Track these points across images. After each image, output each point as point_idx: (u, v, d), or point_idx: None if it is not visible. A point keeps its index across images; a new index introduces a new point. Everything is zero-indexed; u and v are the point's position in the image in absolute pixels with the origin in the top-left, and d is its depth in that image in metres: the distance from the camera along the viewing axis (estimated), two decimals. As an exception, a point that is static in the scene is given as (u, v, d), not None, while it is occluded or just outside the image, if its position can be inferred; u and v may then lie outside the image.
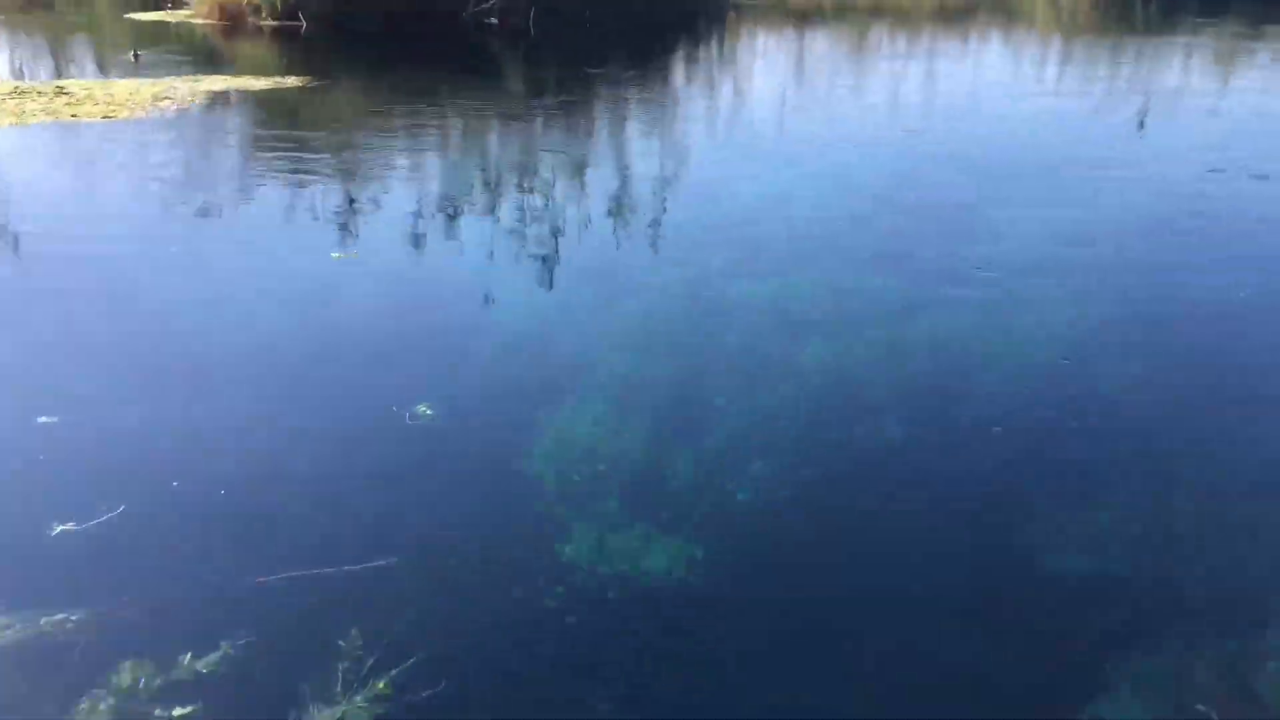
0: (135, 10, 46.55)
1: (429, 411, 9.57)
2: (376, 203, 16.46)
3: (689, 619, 7.20)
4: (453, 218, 15.79)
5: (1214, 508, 8.06)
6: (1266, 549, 7.64)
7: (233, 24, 40.83)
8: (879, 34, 47.19)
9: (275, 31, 39.39)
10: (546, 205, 16.47)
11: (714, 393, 9.91)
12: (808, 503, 8.33)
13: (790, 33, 47.15)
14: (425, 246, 14.60)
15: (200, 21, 41.45)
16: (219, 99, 24.32)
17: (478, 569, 7.69)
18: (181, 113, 22.36)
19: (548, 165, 19.06)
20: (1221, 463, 8.69)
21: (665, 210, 15.85)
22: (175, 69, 29.14)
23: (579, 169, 18.81)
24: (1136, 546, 7.62)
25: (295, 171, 18.75)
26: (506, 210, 16.25)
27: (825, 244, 14.18)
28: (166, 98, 23.01)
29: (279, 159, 19.67)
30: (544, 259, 13.91)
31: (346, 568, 7.55)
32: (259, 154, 20.15)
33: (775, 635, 7.07)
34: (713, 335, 11.03)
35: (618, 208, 15.97)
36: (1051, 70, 34.70)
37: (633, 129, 23.17)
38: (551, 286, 12.97)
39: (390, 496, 8.50)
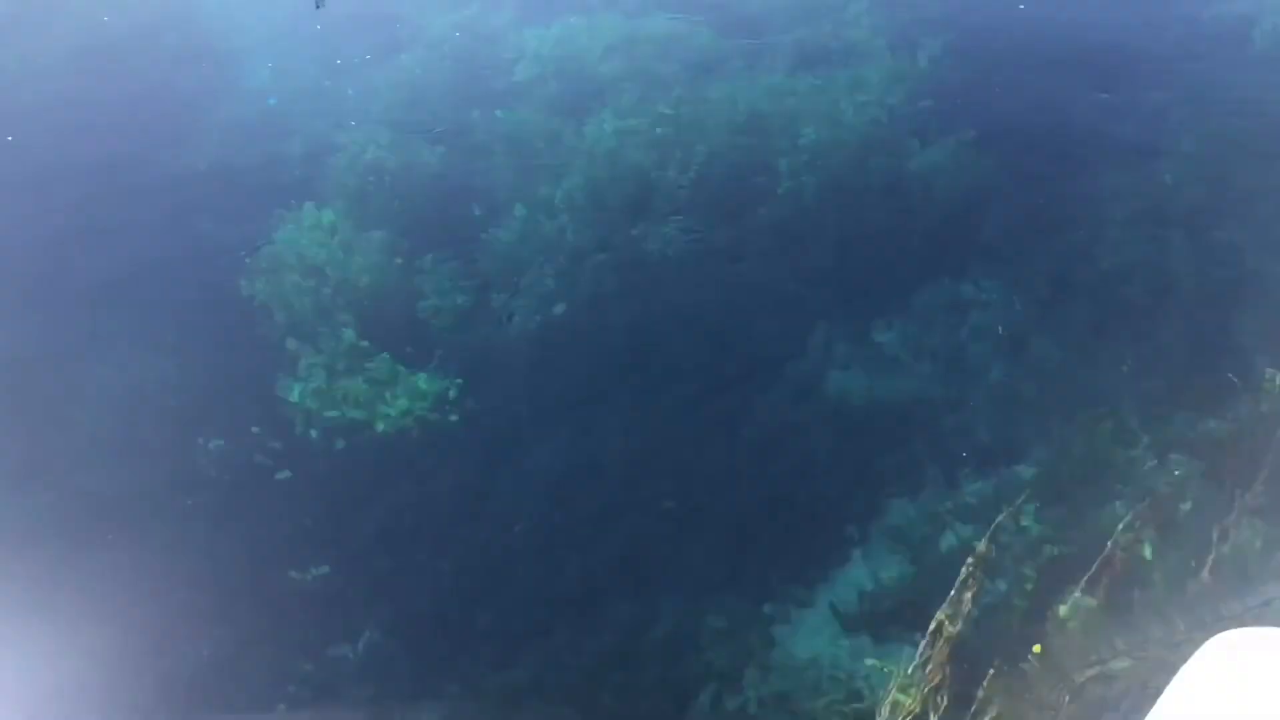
0: None
1: None
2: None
3: (433, 466, 7.31)
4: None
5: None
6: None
7: None
8: None
9: None
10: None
11: (483, 184, 9.46)
12: (588, 320, 8.29)
13: None
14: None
15: None
16: None
17: (173, 415, 7.58)
18: None
19: None
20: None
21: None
22: None
23: None
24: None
25: None
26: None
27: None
28: None
29: None
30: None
31: None
32: None
33: (537, 476, 7.24)
34: (489, 104, 10.35)
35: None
36: None
37: None
38: (286, 35, 11.72)
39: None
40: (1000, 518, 6.53)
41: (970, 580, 6.25)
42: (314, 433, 7.47)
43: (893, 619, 6.26)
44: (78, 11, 11.79)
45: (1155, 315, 7.51)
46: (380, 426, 7.56)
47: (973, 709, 5.68)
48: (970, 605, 6.14)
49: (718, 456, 7.34)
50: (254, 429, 7.39)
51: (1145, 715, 3.12)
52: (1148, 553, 6.17)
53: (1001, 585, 6.24)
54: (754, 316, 8.19)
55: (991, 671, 5.79)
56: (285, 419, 7.54)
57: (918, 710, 5.74)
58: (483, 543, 6.95)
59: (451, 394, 7.72)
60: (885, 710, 5.78)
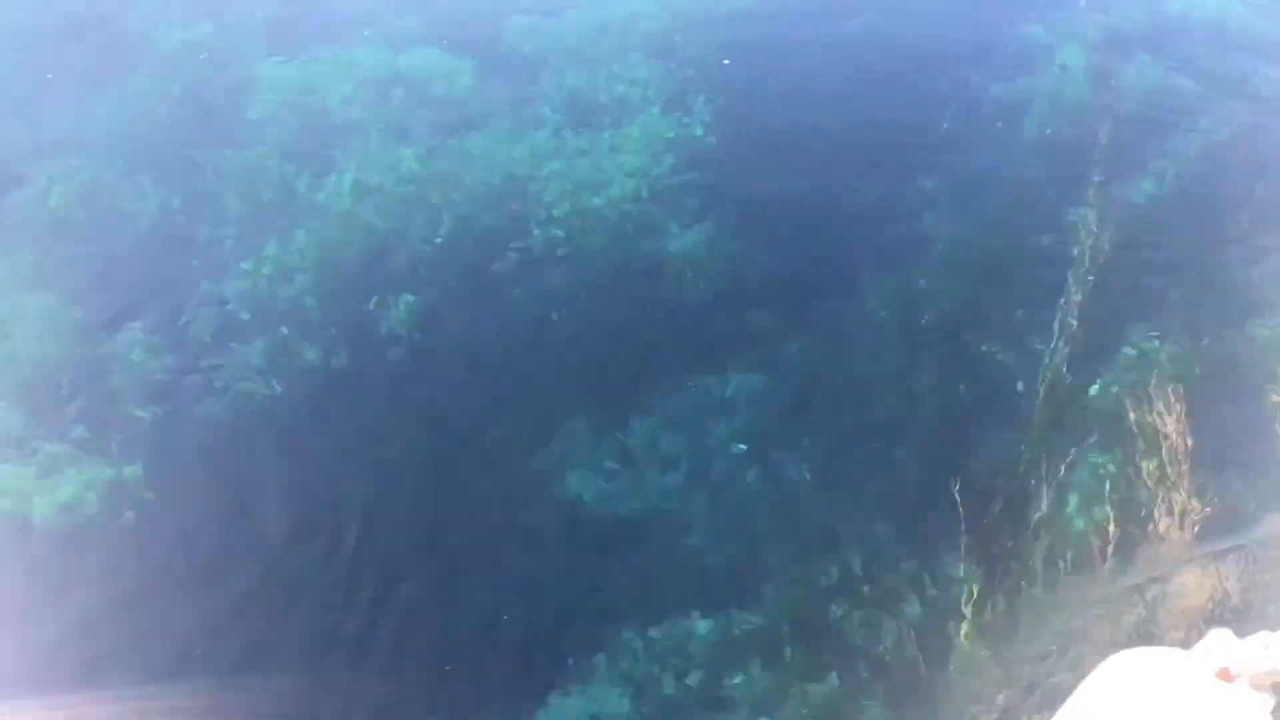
0: None
1: None
2: None
3: (95, 569, 6.65)
4: None
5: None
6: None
7: None
8: None
9: None
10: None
11: (206, 235, 8.72)
12: (305, 406, 7.71)
13: None
14: None
15: None
16: None
17: None
18: None
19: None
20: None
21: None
22: None
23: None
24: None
25: None
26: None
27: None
28: None
29: None
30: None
31: None
32: None
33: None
34: (219, 142, 9.55)
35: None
36: None
37: None
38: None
39: None
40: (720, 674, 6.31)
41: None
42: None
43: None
44: None
45: (895, 442, 7.45)
46: (34, 520, 6.78)
47: None
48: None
49: (432, 566, 6.90)
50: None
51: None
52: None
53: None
54: (491, 407, 7.78)
55: None
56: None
57: None
58: (145, 667, 6.27)
59: (128, 486, 7.00)
60: None
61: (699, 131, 9.65)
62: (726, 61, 10.36)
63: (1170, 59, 10.75)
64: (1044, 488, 7.03)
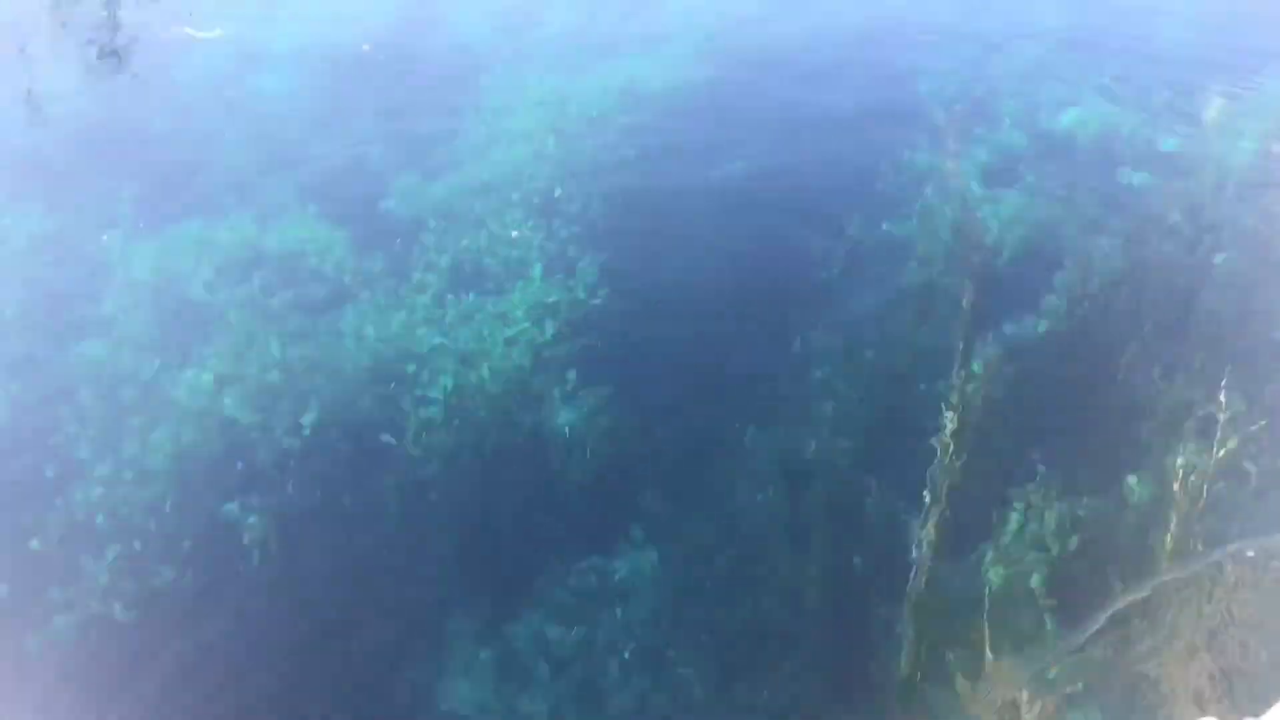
0: None
1: None
2: None
3: None
4: None
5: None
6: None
7: None
8: None
9: None
10: None
11: (54, 440, 8.38)
12: (157, 628, 7.29)
13: None
14: None
15: None
16: None
17: None
18: None
19: None
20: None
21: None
22: None
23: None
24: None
25: None
26: None
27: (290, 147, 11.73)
28: None
29: None
30: None
31: None
32: None
33: None
34: (72, 336, 9.19)
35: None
36: None
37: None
38: None
39: None
40: None
41: None
42: None
43: None
44: None
45: (789, 634, 7.13)
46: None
47: None
48: None
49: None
50: None
51: None
52: None
53: None
54: (359, 613, 7.34)
55: None
56: None
57: None
58: None
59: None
60: None
61: (582, 293, 9.43)
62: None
63: (1057, 182, 10.79)
64: (934, 681, 6.75)
